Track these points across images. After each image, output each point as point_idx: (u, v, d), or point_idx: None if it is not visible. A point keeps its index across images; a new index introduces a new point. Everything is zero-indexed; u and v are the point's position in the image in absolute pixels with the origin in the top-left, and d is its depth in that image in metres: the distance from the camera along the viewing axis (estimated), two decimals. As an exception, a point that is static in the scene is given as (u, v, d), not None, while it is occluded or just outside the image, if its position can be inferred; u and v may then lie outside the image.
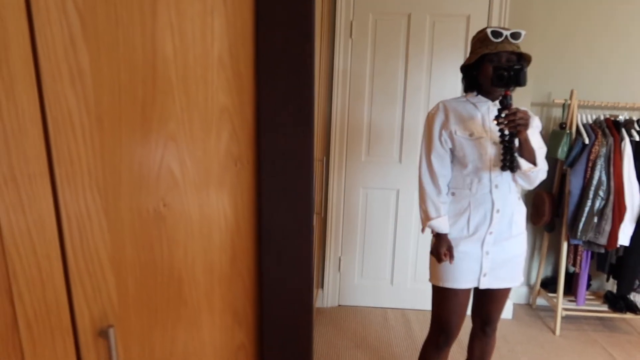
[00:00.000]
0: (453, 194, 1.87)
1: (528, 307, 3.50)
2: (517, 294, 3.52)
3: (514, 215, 1.83)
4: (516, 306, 3.46)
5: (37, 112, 0.65)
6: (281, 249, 1.04)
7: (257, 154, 1.01)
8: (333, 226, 3.34)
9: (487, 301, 1.93)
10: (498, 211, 1.79)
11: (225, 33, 0.91)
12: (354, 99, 3.16)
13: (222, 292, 1.00)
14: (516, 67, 1.60)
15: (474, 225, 1.82)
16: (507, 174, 1.78)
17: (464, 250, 1.82)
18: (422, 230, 1.90)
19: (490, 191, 1.79)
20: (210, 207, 0.94)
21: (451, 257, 1.81)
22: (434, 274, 1.89)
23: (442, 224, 1.84)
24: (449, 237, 1.84)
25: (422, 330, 3.09)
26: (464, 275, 1.82)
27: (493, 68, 1.65)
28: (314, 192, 1.03)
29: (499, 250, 1.82)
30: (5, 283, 0.66)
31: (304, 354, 1.10)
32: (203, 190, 0.92)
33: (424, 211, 1.87)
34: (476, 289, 1.95)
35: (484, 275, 1.82)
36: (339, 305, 3.45)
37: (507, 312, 3.30)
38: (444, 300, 1.86)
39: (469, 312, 3.05)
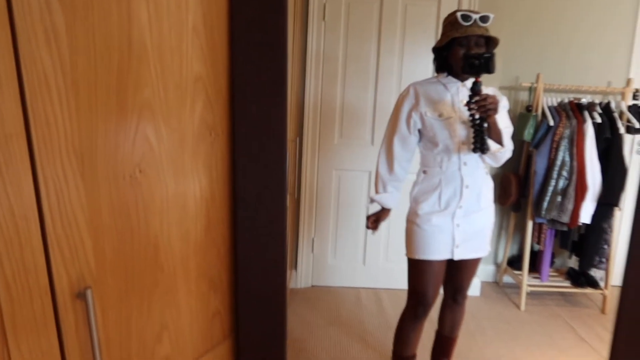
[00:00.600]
0: (425, 172, 1.94)
1: (495, 285, 3.61)
2: (485, 273, 3.63)
3: (482, 190, 1.91)
4: (484, 284, 3.57)
5: (13, 72, 0.66)
6: (255, 218, 1.06)
7: (231, 124, 1.03)
8: (306, 208, 3.37)
9: (459, 271, 2.01)
10: (467, 187, 1.87)
11: (199, 2, 0.92)
12: (327, 81, 3.18)
13: (198, 259, 1.03)
14: (486, 55, 1.65)
15: (445, 200, 1.89)
16: (475, 153, 1.83)
17: (437, 224, 1.88)
18: (369, 202, 2.08)
19: (459, 168, 1.86)
20: (185, 176, 0.96)
21: (374, 228, 2.03)
22: (409, 248, 1.95)
23: (384, 199, 2.00)
24: (422, 212, 1.91)
25: (394, 308, 3.16)
26: (438, 247, 1.89)
27: (464, 56, 1.70)
28: (288, 161, 1.06)
29: (469, 223, 1.90)
30: (-17, 243, 0.67)
31: (277, 319, 1.14)
32: (178, 159, 0.94)
33: (375, 185, 2.04)
34: (452, 264, 2.01)
35: (457, 247, 1.90)
36: (313, 286, 3.50)
37: (474, 289, 3.40)
38: (420, 272, 1.92)
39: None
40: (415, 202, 1.95)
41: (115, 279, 0.86)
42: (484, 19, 1.74)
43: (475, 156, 1.85)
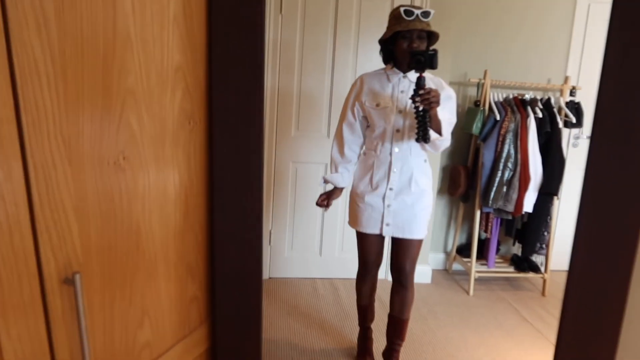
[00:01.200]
0: (365, 154, 2.18)
1: (445, 272, 3.78)
2: (435, 261, 3.78)
3: (414, 175, 2.07)
4: (434, 271, 3.72)
5: (4, 58, 0.66)
6: (232, 204, 1.09)
7: (209, 113, 1.06)
8: (264, 200, 3.39)
9: (397, 252, 2.18)
10: (394, 171, 2.06)
11: (179, -7, 0.94)
12: (284, 74, 3.20)
13: (177, 245, 1.05)
14: (430, 52, 1.81)
15: (375, 181, 2.10)
16: (408, 140, 2.03)
17: (369, 202, 2.11)
18: (322, 182, 2.26)
19: (391, 153, 2.06)
20: (165, 163, 0.98)
21: (326, 206, 2.23)
22: (349, 219, 2.25)
23: (335, 179, 2.20)
24: (359, 190, 2.15)
25: (349, 296, 3.25)
26: (369, 222, 2.13)
27: (410, 53, 1.86)
28: (264, 148, 1.09)
29: (400, 204, 2.08)
30: (-26, 227, 0.67)
31: (253, 303, 1.17)
32: (159, 146, 0.96)
33: (330, 167, 2.25)
34: (392, 243, 2.21)
35: (387, 225, 2.10)
36: (270, 278, 3.53)
37: (426, 277, 3.54)
38: (358, 240, 2.24)
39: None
40: (355, 180, 2.20)
41: (100, 264, 0.87)
42: (425, 14, 1.89)
43: (409, 144, 2.03)
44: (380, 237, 2.18)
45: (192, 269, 1.10)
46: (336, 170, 2.20)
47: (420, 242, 2.15)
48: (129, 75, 0.86)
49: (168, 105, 0.96)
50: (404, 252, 2.15)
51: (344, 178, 2.20)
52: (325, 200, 2.21)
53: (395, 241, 2.16)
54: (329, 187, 2.27)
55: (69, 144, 0.77)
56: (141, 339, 0.99)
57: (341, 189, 2.25)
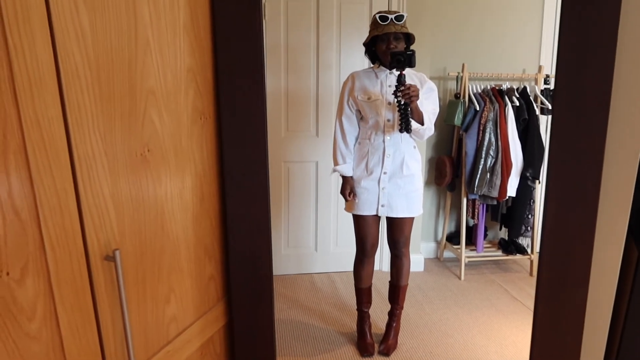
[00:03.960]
0: (360, 143, 2.34)
1: (437, 260, 3.92)
2: (427, 250, 3.92)
3: (405, 159, 2.26)
4: (427, 260, 3.86)
5: (52, 66, 0.78)
6: (241, 189, 1.22)
7: (217, 109, 1.18)
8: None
9: (392, 229, 2.39)
10: (388, 156, 2.24)
11: (187, 3, 1.06)
12: (271, 77, 3.33)
13: (195, 228, 1.17)
14: (409, 53, 2.01)
15: (370, 166, 2.27)
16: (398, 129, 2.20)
17: (365, 186, 2.28)
18: (332, 172, 2.38)
19: (383, 140, 2.24)
20: (183, 154, 1.10)
21: (354, 195, 2.31)
22: (346, 206, 2.39)
23: (344, 169, 2.32)
24: (355, 176, 2.30)
25: (346, 288, 3.37)
26: (365, 205, 2.30)
27: (391, 54, 2.04)
28: (267, 138, 1.22)
29: (394, 186, 2.27)
30: (34, 211, 0.78)
31: (264, 280, 1.30)
32: (177, 140, 1.08)
33: (334, 159, 2.36)
34: (387, 222, 2.40)
35: (382, 206, 2.28)
36: (268, 276, 3.64)
37: (419, 265, 3.68)
38: (356, 224, 2.39)
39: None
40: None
41: (133, 244, 0.98)
42: (398, 18, 2.10)
43: (399, 132, 2.20)
44: (377, 218, 2.35)
45: (209, 250, 1.22)
46: (344, 161, 2.33)
47: (412, 219, 2.37)
48: (150, 77, 0.98)
49: (183, 103, 1.08)
50: (399, 229, 2.37)
51: (350, 167, 2.35)
52: (350, 193, 2.33)
53: (390, 220, 2.37)
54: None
55: (104, 138, 0.89)
56: (169, 313, 1.11)
57: (350, 177, 2.36)
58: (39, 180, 0.78)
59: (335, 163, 2.36)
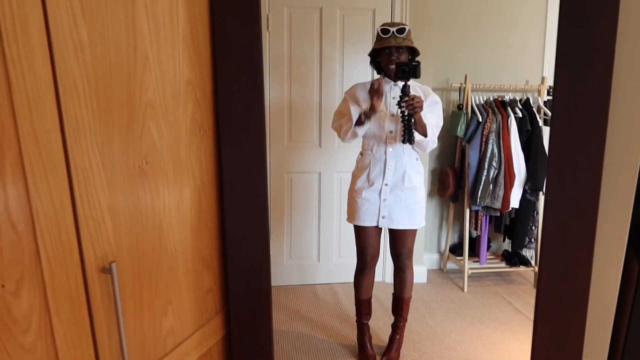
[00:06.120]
0: (361, 154, 2.35)
1: (440, 272, 3.90)
2: (430, 261, 3.91)
3: (407, 171, 2.26)
4: (430, 272, 3.84)
5: (50, 79, 0.79)
6: (240, 202, 1.22)
7: (216, 121, 1.19)
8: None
9: (394, 241, 2.40)
10: (390, 168, 2.24)
11: (187, 16, 1.07)
12: (275, 88, 3.35)
13: (193, 240, 1.17)
14: (413, 64, 2.02)
15: (372, 178, 2.27)
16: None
17: (366, 197, 2.28)
18: (362, 123, 2.15)
19: (385, 152, 2.24)
20: (181, 167, 1.10)
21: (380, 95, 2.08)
22: (348, 215, 2.40)
23: (360, 125, 2.15)
24: (357, 187, 2.30)
25: (348, 299, 3.36)
26: (366, 216, 2.30)
27: (396, 65, 2.06)
28: (266, 150, 1.22)
29: (395, 198, 2.27)
30: (30, 223, 0.78)
31: (263, 292, 1.29)
32: (175, 152, 1.08)
33: (345, 131, 2.19)
34: (389, 234, 2.41)
35: (383, 217, 2.28)
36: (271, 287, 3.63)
37: (422, 277, 3.66)
38: (357, 234, 2.39)
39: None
40: (353, 178, 2.36)
41: (130, 257, 0.98)
42: (400, 31, 2.11)
43: (401, 144, 2.20)
44: (377, 230, 2.35)
45: (207, 262, 1.22)
46: (352, 125, 2.16)
47: (414, 231, 2.36)
48: (149, 90, 0.99)
49: (181, 116, 1.08)
50: (400, 241, 2.36)
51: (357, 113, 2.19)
52: (378, 89, 2.08)
53: (392, 232, 2.37)
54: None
55: (102, 150, 0.89)
56: (166, 325, 1.11)
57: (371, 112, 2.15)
58: (36, 192, 0.78)
59: (350, 127, 2.16)
